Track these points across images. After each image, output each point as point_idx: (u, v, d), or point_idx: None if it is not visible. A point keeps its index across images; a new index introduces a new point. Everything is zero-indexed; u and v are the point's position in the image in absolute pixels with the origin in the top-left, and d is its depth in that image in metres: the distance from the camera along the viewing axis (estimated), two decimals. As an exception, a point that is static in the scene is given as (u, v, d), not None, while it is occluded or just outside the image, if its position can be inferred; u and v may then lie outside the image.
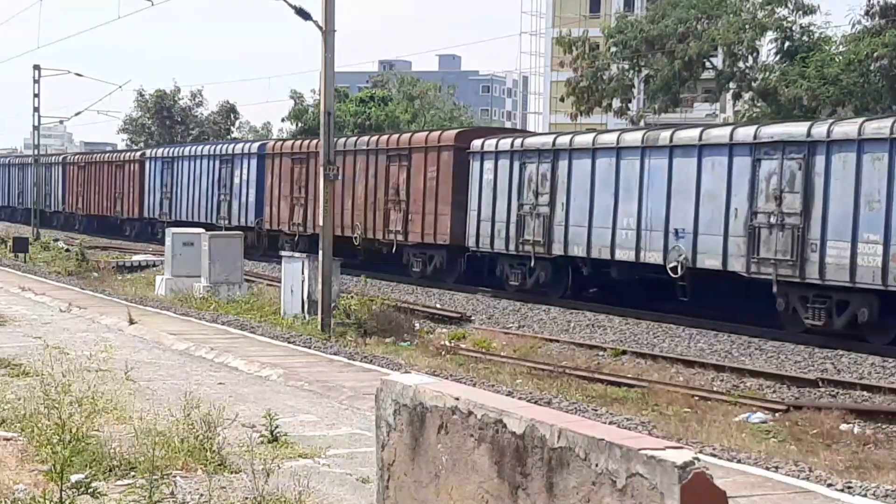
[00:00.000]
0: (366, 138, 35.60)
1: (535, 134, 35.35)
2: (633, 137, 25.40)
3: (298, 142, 39.64)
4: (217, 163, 43.32)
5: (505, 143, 28.99)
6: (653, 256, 24.13)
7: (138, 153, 53.47)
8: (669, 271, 23.48)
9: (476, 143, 29.80)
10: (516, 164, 28.22)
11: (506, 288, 28.41)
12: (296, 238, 36.95)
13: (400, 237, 32.08)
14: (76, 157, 63.36)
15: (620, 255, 25.01)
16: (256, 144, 41.71)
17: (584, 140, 27.07)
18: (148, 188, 49.69)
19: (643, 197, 24.45)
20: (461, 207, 29.77)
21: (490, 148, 29.33)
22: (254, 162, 40.78)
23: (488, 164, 29.17)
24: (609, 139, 26.17)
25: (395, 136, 34.66)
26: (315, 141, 36.61)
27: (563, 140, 27.46)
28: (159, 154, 50.38)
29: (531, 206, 27.59)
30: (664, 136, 24.34)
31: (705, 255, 22.90)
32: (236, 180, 41.41)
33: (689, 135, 23.90)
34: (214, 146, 46.00)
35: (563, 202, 26.75)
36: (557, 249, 26.84)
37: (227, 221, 41.43)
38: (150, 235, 48.91)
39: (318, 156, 35.24)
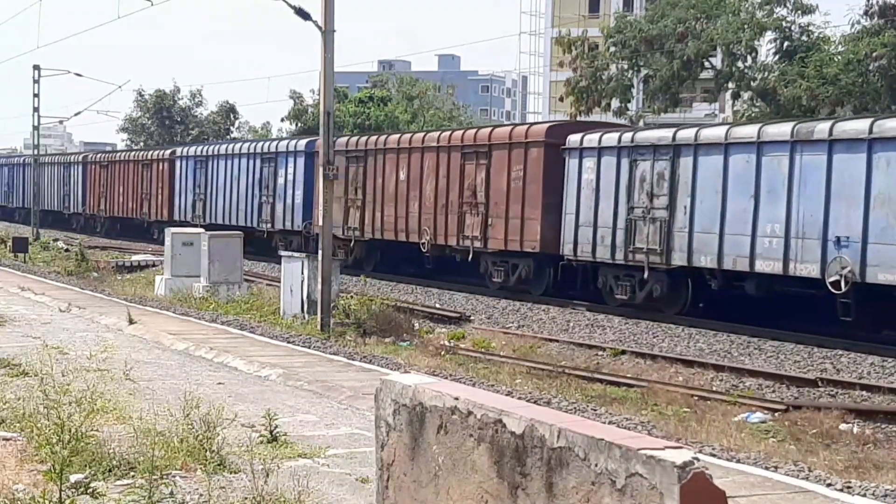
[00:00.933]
0: (436, 133, 32.68)
1: (647, 127, 30.96)
2: (779, 131, 22.08)
3: (355, 138, 36.38)
4: (258, 162, 40.09)
5: (611, 138, 25.63)
6: (806, 269, 20.93)
7: (167, 151, 49.64)
8: (830, 286, 20.32)
9: (573, 139, 26.43)
10: (625, 162, 25.00)
11: (608, 302, 25.42)
12: (351, 243, 34.34)
13: (478, 244, 28.92)
14: (98, 155, 59.80)
15: (762, 266, 21.76)
16: (304, 141, 38.29)
17: (714, 134, 23.80)
18: (179, 189, 46.31)
19: (792, 199, 21.28)
20: (553, 211, 26.60)
21: (591, 143, 25.93)
22: (301, 161, 37.56)
23: (589, 162, 25.83)
24: (747, 132, 22.82)
25: (472, 131, 31.32)
26: (374, 137, 34.99)
27: (687, 134, 24.15)
28: (192, 153, 46.54)
29: (644, 210, 24.42)
30: (821, 128, 21.10)
31: (878, 267, 19.66)
32: (280, 181, 38.34)
33: (854, 127, 20.71)
34: (255, 144, 42.30)
35: (685, 205, 23.55)
36: (678, 259, 23.58)
37: (269, 225, 38.85)
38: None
39: (378, 154, 33.37)
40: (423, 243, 30.95)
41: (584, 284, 26.39)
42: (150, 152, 52.76)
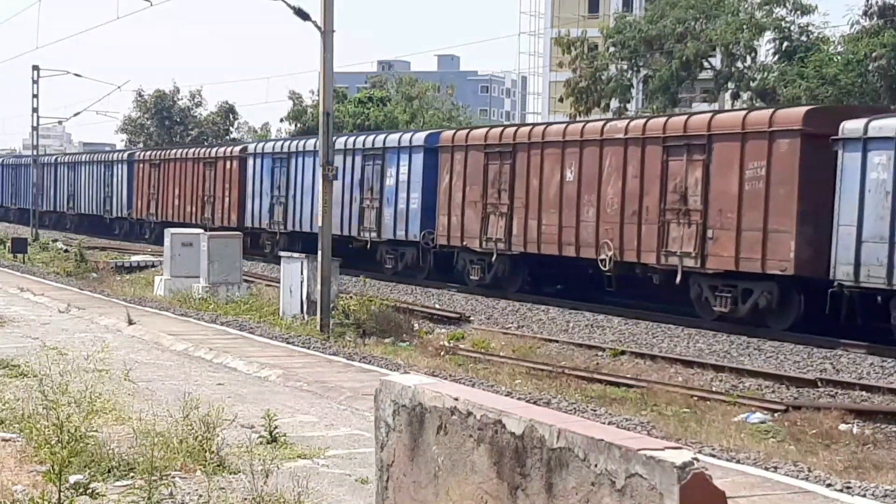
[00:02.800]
0: (623, 123, 26.34)
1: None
2: None
3: (497, 130, 30.22)
4: (358, 159, 33.84)
5: None
6: None
7: (238, 148, 43.46)
8: None
9: (852, 127, 20.10)
10: None
11: None
12: (492, 256, 28.48)
13: (689, 262, 22.88)
14: (147, 153, 53.20)
15: None
16: (423, 135, 32.53)
17: None
18: (252, 191, 40.22)
19: None
20: (812, 221, 20.80)
21: (886, 132, 19.65)
22: (418, 157, 31.41)
23: (880, 157, 19.59)
24: None
25: (681, 118, 25.03)
26: (527, 128, 29.33)
27: None
28: (269, 149, 40.40)
29: None
30: None
31: None
32: (390, 181, 32.34)
33: None
34: (356, 138, 35.65)
35: None
36: None
37: (374, 234, 32.86)
38: (256, 249, 38.91)
39: (531, 149, 27.29)
40: (604, 260, 24.84)
41: (872, 318, 20.13)
42: (215, 149, 46.40)
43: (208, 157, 44.87)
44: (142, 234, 50.63)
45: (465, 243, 29.53)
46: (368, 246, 33.16)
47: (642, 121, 25.40)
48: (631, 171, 24.42)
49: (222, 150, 45.04)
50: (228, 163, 42.66)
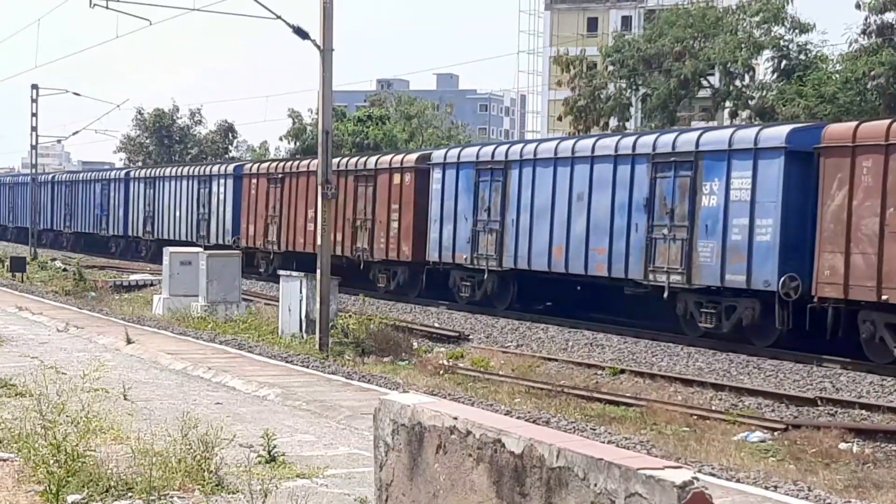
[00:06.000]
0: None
1: None
2: None
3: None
4: (643, 168, 24.14)
5: None
6: None
7: (414, 156, 32.86)
8: None
9: None
10: None
11: None
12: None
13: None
14: (260, 166, 41.58)
15: None
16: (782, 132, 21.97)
17: None
18: (439, 213, 30.36)
19: None
20: None
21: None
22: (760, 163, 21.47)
23: None
24: None
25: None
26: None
27: None
28: (472, 156, 29.95)
29: None
30: None
31: None
32: (709, 201, 22.49)
33: None
34: (624, 139, 26.21)
35: None
36: None
37: (685, 279, 22.87)
38: (442, 289, 30.76)
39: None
40: None
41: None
42: (376, 158, 34.84)
43: (363, 170, 34.14)
44: (252, 266, 38.70)
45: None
46: (669, 295, 23.39)
47: None
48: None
49: (387, 159, 33.84)
50: (397, 175, 32.42)
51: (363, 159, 35.22)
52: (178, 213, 46.42)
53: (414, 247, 31.20)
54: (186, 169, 48.21)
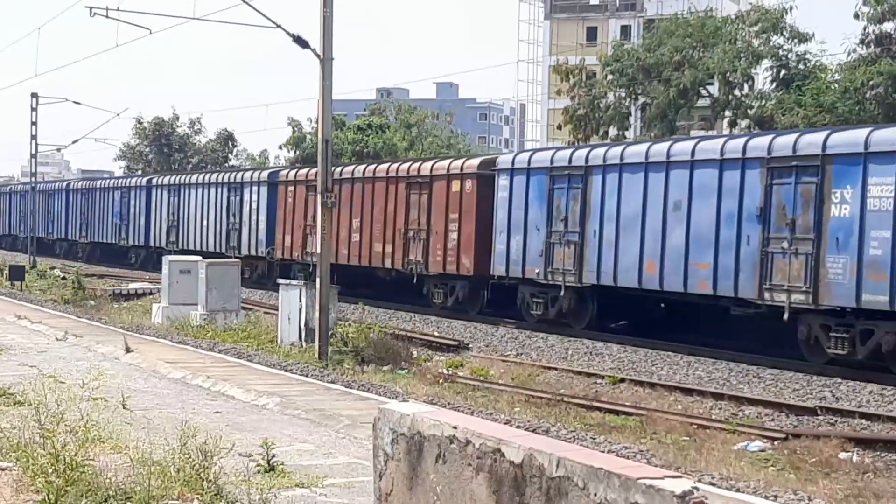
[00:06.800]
0: None
1: None
2: None
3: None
4: (753, 172, 22.04)
5: None
6: None
7: (476, 161, 30.46)
8: None
9: None
10: None
11: None
12: None
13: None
14: (299, 172, 38.80)
15: None
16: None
17: None
18: (506, 223, 27.77)
19: None
20: None
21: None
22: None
23: None
24: None
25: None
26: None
27: None
28: (545, 161, 27.26)
29: None
30: None
31: None
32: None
33: None
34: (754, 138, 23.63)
35: None
36: None
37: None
38: (505, 305, 28.49)
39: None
40: None
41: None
42: (431, 164, 32.19)
43: (417, 176, 31.54)
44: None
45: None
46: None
47: None
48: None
49: (445, 164, 31.31)
50: (457, 182, 29.95)
51: (416, 164, 32.71)
52: (205, 223, 44.14)
53: (476, 260, 28.76)
54: (215, 176, 45.80)
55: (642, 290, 24.48)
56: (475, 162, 30.37)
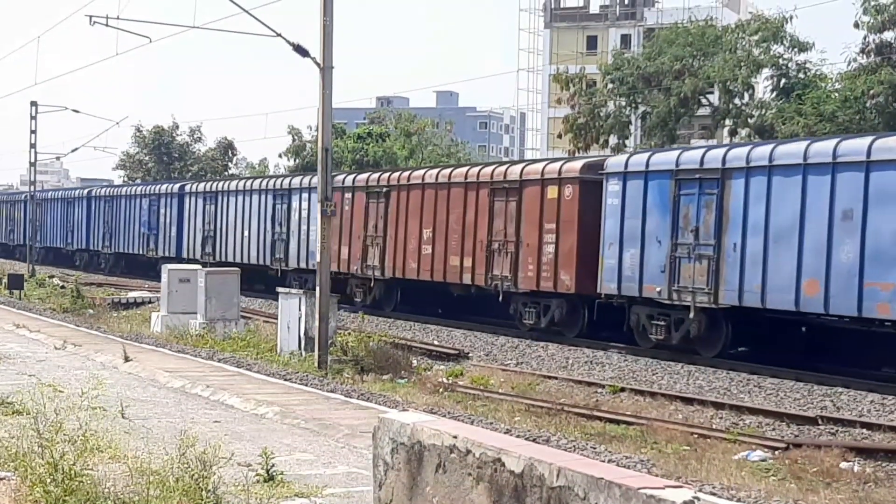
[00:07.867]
0: None
1: None
2: None
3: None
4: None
5: None
6: None
7: (577, 164, 27.29)
8: None
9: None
10: None
11: None
12: None
13: None
14: (358, 177, 35.62)
15: None
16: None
17: None
18: (617, 235, 24.57)
19: None
20: None
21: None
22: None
23: None
24: None
25: None
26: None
27: None
28: (661, 164, 24.18)
29: None
30: None
31: None
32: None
33: None
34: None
35: None
36: None
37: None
38: (609, 327, 25.48)
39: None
40: None
41: None
42: (519, 167, 28.74)
43: (504, 181, 28.19)
44: (349, 297, 33.29)
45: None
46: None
47: None
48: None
49: (538, 168, 27.85)
50: (553, 188, 26.55)
51: (503, 168, 29.05)
52: (246, 233, 40.28)
53: (577, 275, 25.39)
54: (259, 182, 42.01)
55: (803, 314, 21.37)
56: (577, 165, 27.05)
